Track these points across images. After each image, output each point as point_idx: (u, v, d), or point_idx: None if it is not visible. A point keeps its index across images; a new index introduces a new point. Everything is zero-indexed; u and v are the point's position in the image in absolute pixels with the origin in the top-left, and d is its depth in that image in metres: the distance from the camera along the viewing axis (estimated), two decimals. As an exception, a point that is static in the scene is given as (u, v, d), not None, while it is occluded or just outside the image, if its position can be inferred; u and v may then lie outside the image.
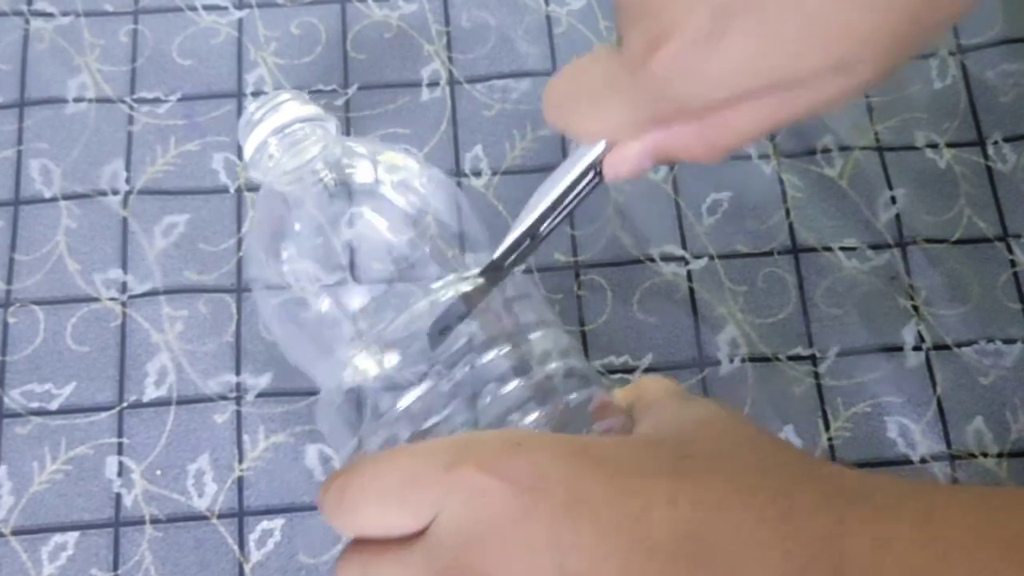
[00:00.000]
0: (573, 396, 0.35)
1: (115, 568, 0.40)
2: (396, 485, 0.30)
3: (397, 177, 0.39)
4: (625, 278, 0.45)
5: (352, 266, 0.37)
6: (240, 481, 0.42)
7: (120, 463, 0.42)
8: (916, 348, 0.44)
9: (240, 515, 0.41)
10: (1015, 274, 0.46)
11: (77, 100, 0.48)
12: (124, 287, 0.45)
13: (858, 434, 0.43)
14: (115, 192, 0.46)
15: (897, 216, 0.46)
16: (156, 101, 0.48)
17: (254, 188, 0.46)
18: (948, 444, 0.43)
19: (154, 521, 0.41)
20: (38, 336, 0.44)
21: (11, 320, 0.44)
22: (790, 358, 0.44)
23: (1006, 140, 0.48)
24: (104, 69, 0.49)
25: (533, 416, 0.34)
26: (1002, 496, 0.28)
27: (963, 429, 0.43)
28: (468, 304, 0.35)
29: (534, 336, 0.36)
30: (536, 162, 0.47)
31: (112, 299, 0.44)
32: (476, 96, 0.49)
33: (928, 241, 0.46)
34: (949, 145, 0.48)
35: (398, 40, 0.50)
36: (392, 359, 0.35)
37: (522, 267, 0.36)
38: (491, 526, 0.28)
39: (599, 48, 0.32)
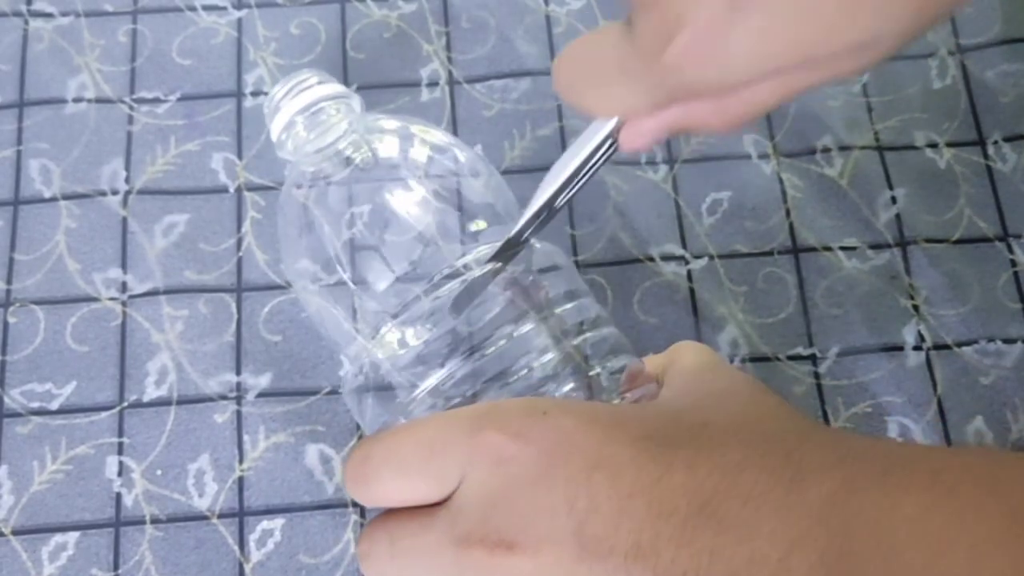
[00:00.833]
0: (606, 366, 0.35)
1: (115, 568, 0.40)
2: (419, 453, 0.30)
3: (424, 151, 0.39)
4: (625, 278, 0.45)
5: (381, 241, 0.37)
6: (240, 481, 0.42)
7: (120, 463, 0.42)
8: (916, 348, 0.44)
9: (240, 515, 0.41)
10: (1015, 274, 0.46)
11: (77, 100, 0.48)
12: (124, 287, 0.45)
13: (859, 434, 0.43)
14: (115, 192, 0.46)
15: (897, 216, 0.46)
16: (156, 101, 0.48)
17: (254, 188, 0.46)
18: (948, 444, 0.43)
19: (154, 521, 0.41)
20: (38, 336, 0.44)
21: (11, 320, 0.44)
22: (790, 358, 0.44)
23: (1006, 140, 0.48)
24: (104, 69, 0.49)
25: (565, 388, 0.34)
26: (1010, 457, 0.28)
27: (963, 429, 0.43)
28: (486, 280, 0.35)
29: (565, 307, 0.36)
30: (536, 162, 0.47)
31: (112, 299, 0.44)
32: (476, 96, 0.49)
33: (928, 241, 0.46)
34: (949, 145, 0.48)
35: (398, 40, 0.50)
36: (422, 334, 0.35)
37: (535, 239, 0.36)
38: (514, 490, 0.28)
39: (609, 26, 0.31)
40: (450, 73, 0.49)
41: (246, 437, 0.42)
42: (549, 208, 0.35)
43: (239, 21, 0.50)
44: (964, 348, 0.44)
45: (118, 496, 0.41)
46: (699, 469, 0.28)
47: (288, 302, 0.44)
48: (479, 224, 0.38)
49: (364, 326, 0.37)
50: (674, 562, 0.27)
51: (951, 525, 0.25)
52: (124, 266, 0.45)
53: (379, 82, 0.49)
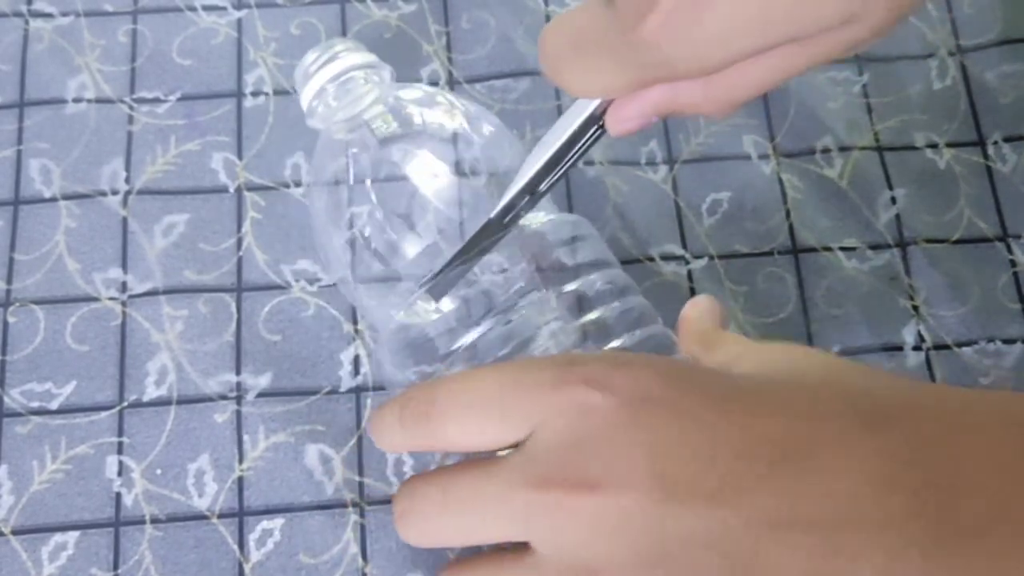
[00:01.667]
0: (633, 335, 0.35)
1: (115, 568, 0.40)
2: (496, 395, 0.30)
3: (453, 120, 0.39)
4: (625, 278, 0.45)
5: (410, 209, 0.37)
6: (240, 481, 0.42)
7: (120, 463, 0.42)
8: (916, 348, 0.44)
9: (240, 515, 0.41)
10: (1015, 274, 0.46)
11: (77, 100, 0.48)
12: (124, 287, 0.45)
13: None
14: (115, 192, 0.46)
15: (897, 216, 0.47)
16: (156, 101, 0.48)
17: (254, 188, 0.46)
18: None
19: (154, 521, 0.41)
20: (38, 336, 0.44)
21: (11, 320, 0.44)
22: (790, 358, 0.44)
23: (1006, 140, 0.48)
24: (104, 69, 0.49)
25: None
26: None
27: (963, 429, 0.43)
28: (463, 271, 0.35)
29: (592, 276, 0.36)
30: (536, 162, 0.47)
31: (112, 299, 0.44)
32: (476, 96, 0.49)
33: (928, 241, 0.46)
34: (949, 145, 0.48)
35: (397, 40, 0.50)
36: (449, 301, 0.35)
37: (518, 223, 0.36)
38: (595, 436, 0.28)
39: (592, 1, 0.31)
40: (450, 73, 0.49)
41: (246, 437, 0.42)
42: (532, 191, 0.34)
43: (239, 21, 0.50)
44: (964, 348, 0.44)
45: (118, 496, 0.41)
46: (780, 417, 0.28)
47: (288, 302, 0.44)
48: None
49: (395, 291, 0.37)
50: (757, 504, 0.27)
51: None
52: (124, 266, 0.45)
53: (379, 82, 0.49)
